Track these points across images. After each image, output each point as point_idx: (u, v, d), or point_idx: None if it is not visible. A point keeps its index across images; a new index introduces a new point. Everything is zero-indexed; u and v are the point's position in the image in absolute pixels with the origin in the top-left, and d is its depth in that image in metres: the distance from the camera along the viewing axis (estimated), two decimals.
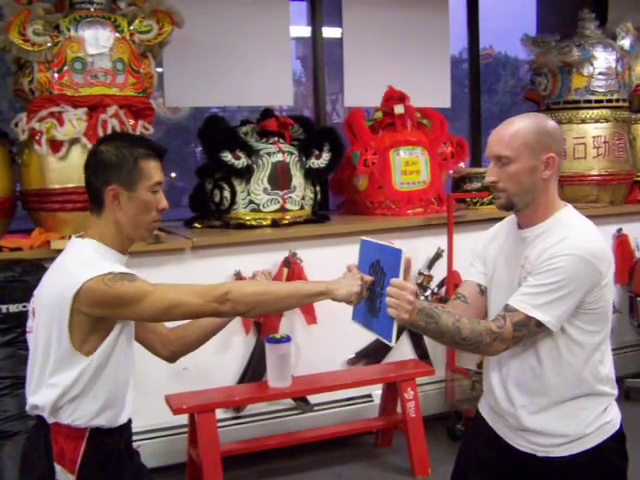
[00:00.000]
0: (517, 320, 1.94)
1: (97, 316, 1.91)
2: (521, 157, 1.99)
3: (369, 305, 2.00)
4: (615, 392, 2.11)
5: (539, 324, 1.94)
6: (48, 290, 1.96)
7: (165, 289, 1.94)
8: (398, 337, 4.10)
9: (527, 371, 2.06)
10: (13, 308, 3.24)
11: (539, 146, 1.99)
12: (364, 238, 2.11)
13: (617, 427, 2.08)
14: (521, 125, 2.02)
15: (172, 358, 2.32)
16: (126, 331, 2.02)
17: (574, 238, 1.96)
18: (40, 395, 1.97)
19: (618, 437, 2.08)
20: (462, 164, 4.81)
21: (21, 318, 3.21)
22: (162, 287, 1.94)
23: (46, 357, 1.95)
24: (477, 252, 2.26)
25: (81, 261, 1.93)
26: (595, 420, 2.04)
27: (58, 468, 1.95)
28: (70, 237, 2.09)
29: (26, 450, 2.08)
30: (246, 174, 3.95)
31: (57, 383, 1.94)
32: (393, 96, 4.48)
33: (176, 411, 3.34)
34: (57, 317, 1.91)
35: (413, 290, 1.86)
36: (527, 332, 1.95)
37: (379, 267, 1.96)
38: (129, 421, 2.11)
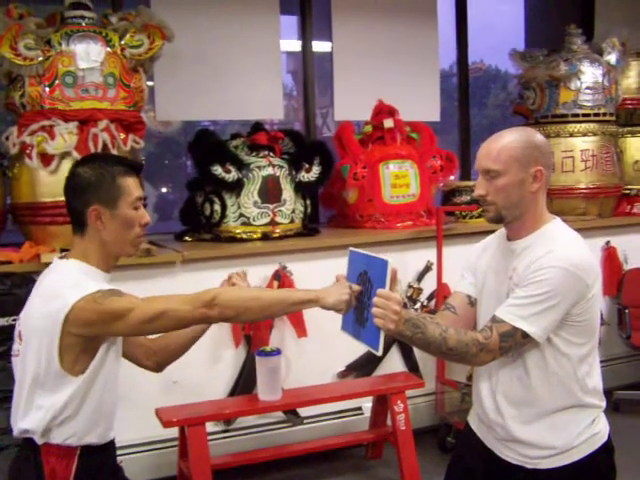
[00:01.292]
0: (503, 331, 1.96)
1: (88, 336, 1.92)
2: (509, 170, 2.02)
3: (357, 315, 2.02)
4: (603, 404, 2.13)
5: (525, 335, 1.95)
6: (36, 314, 1.96)
7: (152, 299, 1.97)
8: (388, 348, 4.12)
9: (515, 382, 2.08)
10: (2, 321, 3.23)
11: (527, 159, 2.02)
12: (352, 249, 2.13)
13: (605, 439, 2.09)
14: (509, 139, 2.05)
15: (157, 368, 2.34)
16: (113, 348, 2.03)
17: (561, 250, 1.98)
18: (30, 419, 1.97)
19: (606, 449, 2.09)
20: (452, 177, 4.83)
21: (11, 331, 3.18)
22: (149, 298, 1.97)
23: (35, 381, 1.95)
24: (468, 263, 2.28)
25: (68, 283, 1.94)
26: (583, 432, 2.05)
27: None
28: (61, 251, 2.10)
29: (15, 472, 2.07)
30: (236, 188, 3.96)
31: (48, 406, 1.95)
32: (383, 110, 4.51)
33: (166, 424, 3.34)
34: (47, 341, 1.91)
35: (399, 300, 1.88)
36: (513, 343, 1.97)
37: (367, 277, 1.98)
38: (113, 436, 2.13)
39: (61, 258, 2.07)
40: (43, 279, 2.05)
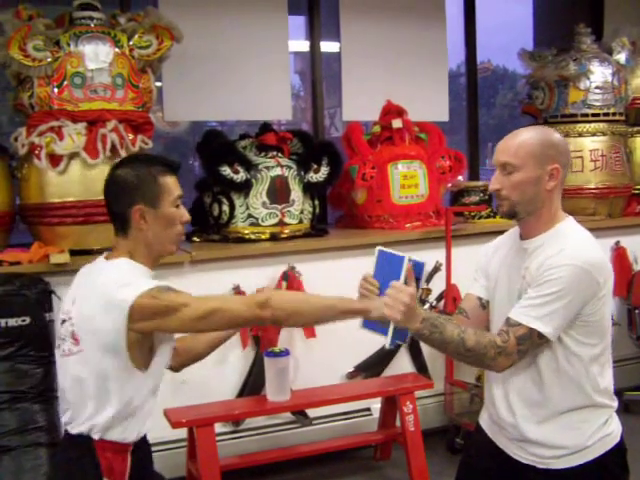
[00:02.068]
0: (520, 334, 1.96)
1: (148, 331, 1.96)
2: (526, 166, 2.02)
3: None
4: (615, 404, 2.12)
5: (541, 336, 1.95)
6: (94, 313, 1.96)
7: (207, 297, 2.02)
8: (398, 348, 4.11)
9: (528, 382, 2.07)
10: (12, 322, 3.23)
11: (544, 157, 2.03)
12: (380, 248, 2.16)
13: (618, 439, 2.09)
14: (528, 136, 2.06)
15: (178, 368, 2.37)
16: (169, 346, 2.10)
17: (572, 249, 1.98)
18: (100, 415, 1.99)
19: (619, 449, 2.09)
20: (460, 177, 4.82)
21: (19, 332, 3.22)
22: (204, 296, 2.02)
23: (104, 378, 1.97)
24: (480, 265, 2.29)
25: (124, 281, 1.95)
26: (596, 432, 2.05)
27: None
28: (103, 254, 2.12)
29: (67, 471, 2.07)
30: (245, 188, 3.96)
31: (117, 401, 1.99)
32: (391, 110, 4.50)
33: (175, 425, 3.34)
34: (113, 338, 1.93)
35: (411, 293, 1.91)
36: (530, 344, 1.97)
37: (389, 274, 2.04)
38: None
39: (107, 258, 2.08)
40: (92, 278, 2.04)
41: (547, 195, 2.05)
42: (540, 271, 1.98)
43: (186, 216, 2.12)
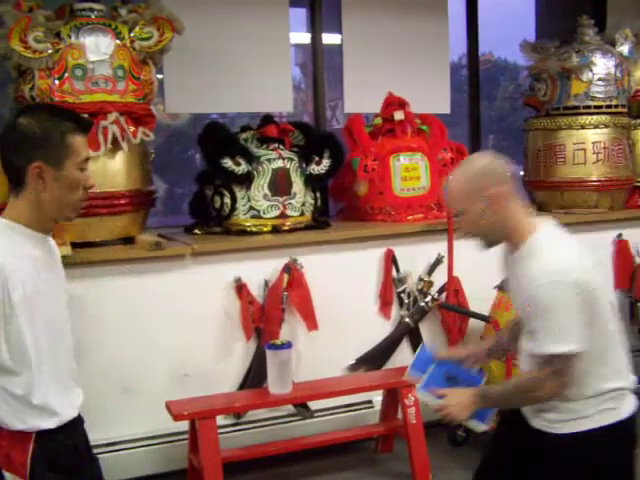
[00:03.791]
0: (550, 363, 2.05)
1: None
2: (467, 206, 2.15)
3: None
4: (627, 384, 2.17)
5: (570, 354, 2.03)
6: None
7: None
8: (399, 341, 4.12)
9: None
10: None
11: (475, 190, 2.14)
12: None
13: (622, 416, 2.15)
14: (455, 178, 2.21)
15: None
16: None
17: (543, 264, 2.06)
18: None
19: (622, 427, 2.15)
20: None
21: None
22: None
23: None
24: (503, 270, 2.38)
25: None
26: (600, 404, 2.13)
27: None
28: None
29: None
30: (246, 180, 3.95)
31: None
32: (393, 102, 4.49)
33: (177, 417, 3.34)
34: None
35: (451, 395, 2.24)
36: (568, 364, 2.05)
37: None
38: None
39: None
40: None
41: (501, 218, 2.14)
42: (525, 289, 2.08)
43: (91, 181, 1.95)
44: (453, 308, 4.12)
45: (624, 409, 2.16)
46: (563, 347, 2.02)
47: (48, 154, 1.85)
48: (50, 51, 3.48)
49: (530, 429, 2.23)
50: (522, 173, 5.26)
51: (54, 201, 1.89)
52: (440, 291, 4.23)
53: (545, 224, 2.18)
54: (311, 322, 3.88)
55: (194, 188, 4.26)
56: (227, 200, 3.99)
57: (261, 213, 3.99)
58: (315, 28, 4.93)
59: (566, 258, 2.08)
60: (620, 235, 4.81)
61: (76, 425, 2.03)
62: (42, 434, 1.90)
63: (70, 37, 3.52)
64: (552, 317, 2.02)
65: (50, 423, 1.92)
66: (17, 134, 1.87)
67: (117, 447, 3.52)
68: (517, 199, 2.18)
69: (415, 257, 4.20)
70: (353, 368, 4.07)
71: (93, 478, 2.11)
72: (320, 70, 4.96)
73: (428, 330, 4.23)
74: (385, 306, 4.14)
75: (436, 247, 4.21)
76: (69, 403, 2.00)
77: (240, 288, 3.77)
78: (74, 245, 3.48)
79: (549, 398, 2.12)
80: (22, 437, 1.88)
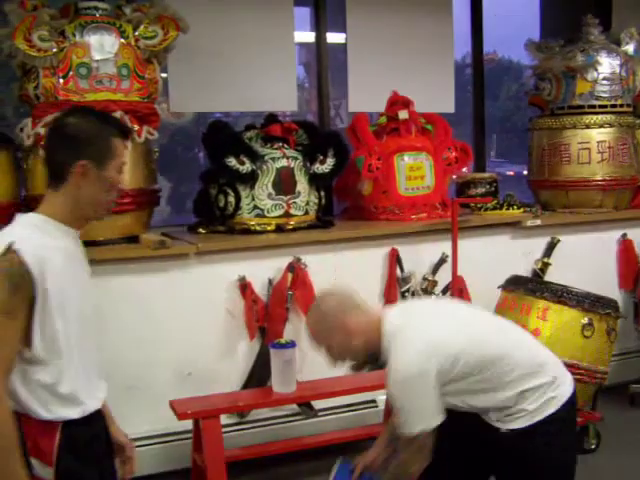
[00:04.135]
0: (410, 439, 2.24)
1: None
2: (329, 341, 2.39)
3: None
4: (548, 378, 2.30)
5: (428, 429, 2.21)
6: None
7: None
8: None
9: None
10: None
11: (331, 327, 2.38)
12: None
13: (562, 401, 2.30)
14: (310, 323, 2.49)
15: None
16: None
17: (393, 365, 2.23)
18: None
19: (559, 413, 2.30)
20: (464, 169, 4.80)
21: None
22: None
23: None
24: None
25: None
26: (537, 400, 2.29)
27: None
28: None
29: None
30: (250, 179, 3.94)
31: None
32: (397, 101, 4.47)
33: (181, 416, 3.33)
34: None
35: None
36: (424, 439, 2.23)
37: None
38: None
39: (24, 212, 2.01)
40: None
41: (362, 340, 2.34)
42: (388, 389, 2.30)
43: (123, 183, 2.04)
44: None
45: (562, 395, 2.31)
46: (418, 428, 2.20)
47: (94, 154, 1.93)
48: (55, 50, 3.48)
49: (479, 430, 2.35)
50: (526, 172, 5.26)
51: (91, 199, 1.96)
52: (444, 290, 4.22)
53: (390, 322, 2.33)
54: None
55: (197, 187, 4.26)
56: (231, 199, 3.98)
57: (265, 212, 3.98)
58: (320, 27, 4.92)
59: (407, 352, 2.21)
60: (625, 235, 4.81)
61: (97, 417, 2.08)
62: (68, 424, 1.96)
63: (75, 36, 3.52)
64: (406, 407, 2.21)
65: (75, 413, 1.97)
66: (66, 132, 1.94)
67: None
68: (360, 311, 2.39)
69: (419, 256, 4.20)
70: (357, 367, 4.06)
71: (112, 471, 2.17)
72: (324, 69, 4.95)
73: None
74: (389, 305, 4.13)
75: (440, 246, 4.20)
76: (94, 395, 2.06)
77: (244, 287, 3.76)
78: None
79: (420, 466, 2.29)
80: (49, 426, 1.93)
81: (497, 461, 2.42)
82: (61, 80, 3.50)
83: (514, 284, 3.94)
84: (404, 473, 2.35)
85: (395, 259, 4.13)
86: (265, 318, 3.80)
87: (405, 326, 2.29)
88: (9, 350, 1.83)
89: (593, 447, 3.96)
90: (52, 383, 1.92)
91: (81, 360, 2.00)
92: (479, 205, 4.60)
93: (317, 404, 3.94)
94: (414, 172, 4.38)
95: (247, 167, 3.91)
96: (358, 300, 2.44)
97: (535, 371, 2.30)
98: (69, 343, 1.95)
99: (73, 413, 1.97)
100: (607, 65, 4.80)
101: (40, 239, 1.90)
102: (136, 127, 3.60)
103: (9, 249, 1.83)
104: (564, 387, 2.35)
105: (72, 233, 2.00)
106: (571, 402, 2.35)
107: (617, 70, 4.81)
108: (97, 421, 2.08)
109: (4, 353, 1.83)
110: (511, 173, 9.33)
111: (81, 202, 1.96)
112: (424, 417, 2.21)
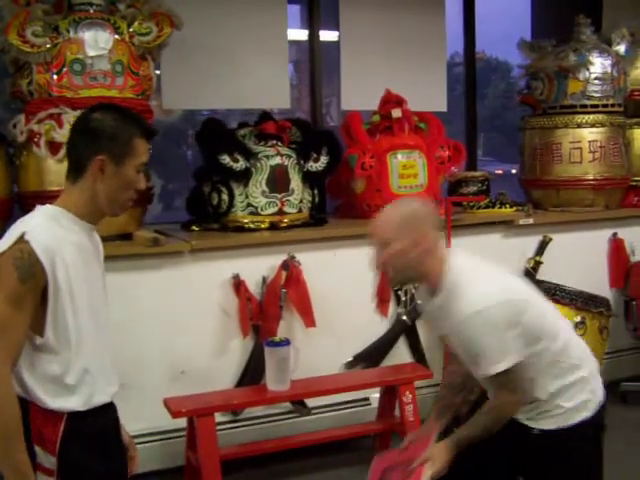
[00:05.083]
0: (500, 383, 2.23)
1: None
2: (395, 239, 2.24)
3: None
4: (584, 373, 2.32)
5: (511, 369, 2.18)
6: None
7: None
8: (396, 339, 4.11)
9: None
10: None
11: (408, 227, 2.25)
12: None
13: (595, 408, 2.33)
14: (390, 212, 2.36)
15: None
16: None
17: (466, 301, 2.17)
18: None
19: (594, 418, 2.34)
20: (455, 168, 4.80)
21: None
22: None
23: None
24: None
25: (12, 233, 1.91)
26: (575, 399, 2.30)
27: None
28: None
29: None
30: (244, 177, 3.93)
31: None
32: (390, 100, 4.47)
33: (175, 414, 3.33)
34: None
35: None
36: (516, 378, 2.21)
37: None
38: None
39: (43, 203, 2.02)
40: None
41: (421, 261, 2.23)
42: (458, 330, 2.22)
43: (142, 184, 2.04)
44: None
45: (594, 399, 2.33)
46: (505, 365, 2.17)
47: (113, 150, 1.95)
48: (48, 45, 3.45)
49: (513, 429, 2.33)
50: (517, 171, 5.28)
51: (107, 195, 1.97)
52: None
53: (456, 261, 2.28)
54: (309, 319, 3.88)
55: (185, 184, 4.24)
56: (225, 197, 3.97)
57: (259, 210, 3.97)
58: (313, 24, 4.92)
59: (492, 288, 2.20)
60: (615, 234, 4.83)
61: (106, 411, 2.08)
62: (73, 415, 1.96)
63: (68, 31, 3.49)
64: (485, 343, 2.17)
65: (81, 405, 1.98)
66: (90, 126, 1.97)
67: None
68: (439, 245, 2.30)
69: None
70: (350, 365, 4.07)
71: (121, 467, 2.15)
72: (318, 67, 4.95)
73: (425, 328, 4.23)
74: (382, 304, 4.14)
75: None
76: (102, 388, 2.06)
77: (238, 285, 3.76)
78: None
79: (517, 408, 2.28)
80: (54, 416, 1.94)
81: (527, 463, 2.39)
82: (55, 76, 3.48)
83: None
84: (497, 417, 2.29)
85: None
86: (259, 316, 3.80)
87: (475, 267, 2.28)
88: (16, 338, 1.85)
89: None
90: (60, 374, 1.94)
91: (91, 354, 2.00)
92: (471, 204, 4.61)
93: (311, 402, 3.94)
94: (407, 170, 4.38)
95: (241, 165, 3.90)
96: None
97: (577, 364, 2.31)
98: (79, 336, 1.95)
99: (79, 405, 1.97)
100: (599, 65, 4.83)
101: (54, 231, 1.91)
102: None
103: (21, 239, 1.85)
104: (599, 392, 2.37)
105: (88, 228, 2.02)
106: (604, 407, 2.37)
107: (609, 70, 4.83)
108: (105, 414, 2.08)
109: (11, 341, 1.84)
110: (500, 172, 9.37)
111: (97, 196, 1.97)
112: (506, 352, 2.17)
